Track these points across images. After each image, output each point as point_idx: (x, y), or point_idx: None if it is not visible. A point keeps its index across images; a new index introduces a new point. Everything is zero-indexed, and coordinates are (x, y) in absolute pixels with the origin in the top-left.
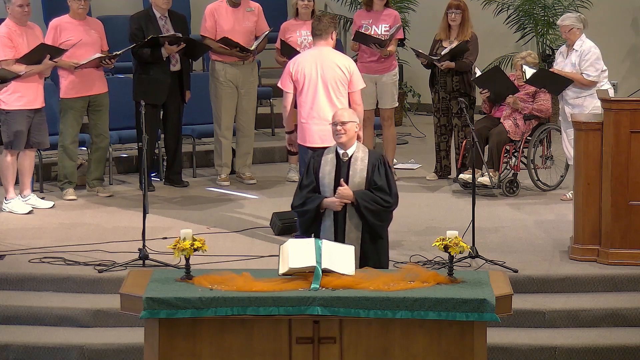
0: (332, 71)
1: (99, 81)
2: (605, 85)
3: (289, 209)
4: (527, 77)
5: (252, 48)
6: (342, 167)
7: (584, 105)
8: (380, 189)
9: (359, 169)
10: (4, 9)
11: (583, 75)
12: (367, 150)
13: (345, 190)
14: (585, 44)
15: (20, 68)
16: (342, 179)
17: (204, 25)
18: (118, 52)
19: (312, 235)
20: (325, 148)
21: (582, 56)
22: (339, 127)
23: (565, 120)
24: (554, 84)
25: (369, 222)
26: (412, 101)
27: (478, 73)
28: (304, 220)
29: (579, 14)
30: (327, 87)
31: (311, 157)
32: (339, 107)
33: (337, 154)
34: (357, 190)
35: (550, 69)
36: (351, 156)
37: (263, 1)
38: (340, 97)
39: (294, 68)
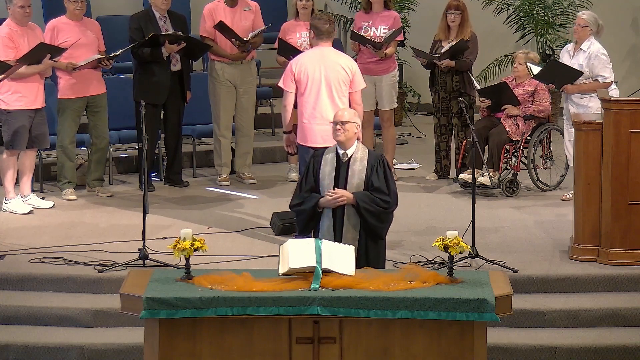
0: (336, 72)
1: (97, 82)
2: (614, 92)
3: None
4: (535, 73)
5: (248, 38)
6: (342, 168)
7: (589, 106)
8: (378, 190)
9: (358, 169)
10: (4, 9)
11: (598, 79)
12: (367, 150)
13: (341, 194)
14: (593, 46)
15: (21, 69)
16: (334, 188)
17: (202, 26)
18: (116, 53)
19: (312, 234)
20: (327, 148)
21: (590, 59)
22: (338, 127)
23: (570, 120)
24: (564, 76)
25: (370, 224)
26: (412, 101)
27: (475, 84)
28: (300, 219)
29: (598, 19)
30: (330, 88)
31: (311, 157)
32: (339, 107)
33: (337, 154)
34: (357, 192)
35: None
36: (350, 156)
37: (263, 1)
38: (342, 97)
39: (297, 68)
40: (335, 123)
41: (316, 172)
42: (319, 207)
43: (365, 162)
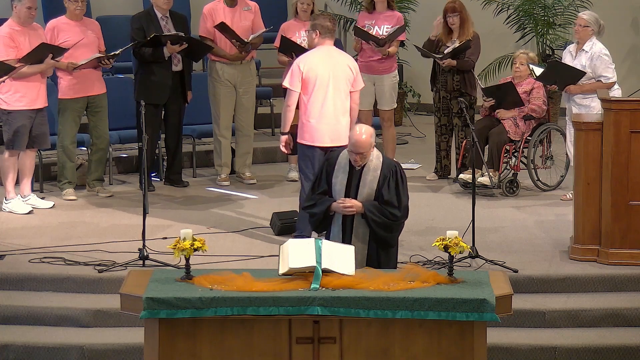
0: (343, 71)
1: (97, 82)
2: (617, 92)
3: (289, 209)
4: (537, 74)
5: (249, 40)
6: (354, 176)
7: (592, 106)
8: (388, 203)
9: (369, 180)
10: (5, 8)
11: (601, 79)
12: (381, 158)
13: (351, 204)
14: (595, 47)
15: (22, 68)
16: (343, 198)
17: (202, 26)
18: (117, 52)
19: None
20: (333, 147)
21: (592, 60)
22: (357, 157)
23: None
24: (566, 76)
25: (378, 234)
26: (412, 101)
27: (479, 82)
28: (313, 220)
29: (599, 19)
30: (337, 87)
31: (325, 160)
32: (345, 106)
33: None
34: (366, 202)
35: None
36: (364, 166)
37: (263, 1)
38: (347, 97)
39: (305, 67)
40: (354, 152)
41: (329, 176)
42: (330, 210)
43: (379, 172)
